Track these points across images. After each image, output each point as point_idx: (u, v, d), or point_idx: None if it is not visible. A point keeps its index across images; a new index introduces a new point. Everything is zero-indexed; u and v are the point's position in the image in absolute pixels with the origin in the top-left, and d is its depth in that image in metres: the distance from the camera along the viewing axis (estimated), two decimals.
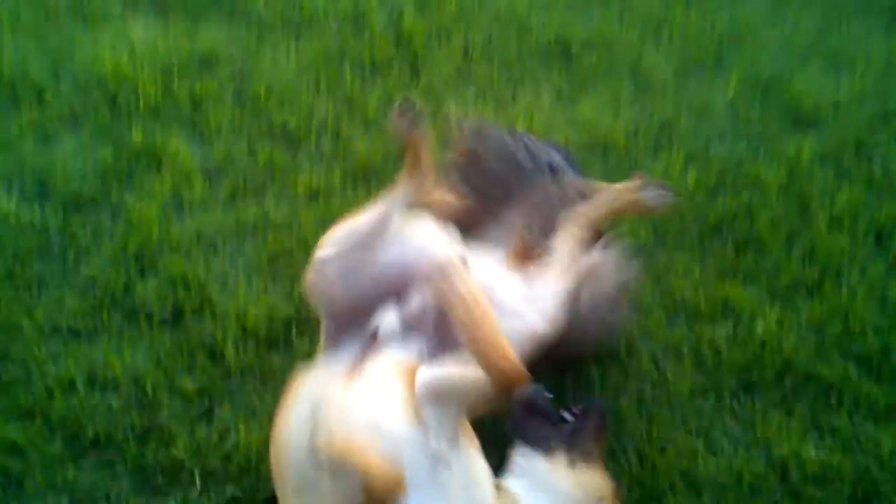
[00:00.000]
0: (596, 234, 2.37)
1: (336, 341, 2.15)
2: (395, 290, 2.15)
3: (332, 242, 2.16)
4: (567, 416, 1.98)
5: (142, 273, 2.65)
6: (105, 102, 3.25)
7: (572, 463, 1.85)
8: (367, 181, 2.92)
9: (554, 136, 3.09)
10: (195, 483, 2.14)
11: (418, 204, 2.28)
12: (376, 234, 2.15)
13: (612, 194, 2.36)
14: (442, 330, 2.16)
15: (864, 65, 3.51)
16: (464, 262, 2.16)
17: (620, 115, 3.23)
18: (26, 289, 2.59)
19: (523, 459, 1.88)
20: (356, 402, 1.83)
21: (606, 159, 3.04)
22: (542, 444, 1.87)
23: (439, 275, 2.13)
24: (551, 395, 1.99)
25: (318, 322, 2.19)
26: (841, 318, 2.53)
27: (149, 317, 2.52)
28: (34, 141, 3.11)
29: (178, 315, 2.54)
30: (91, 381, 2.36)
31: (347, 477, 1.62)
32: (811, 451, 2.23)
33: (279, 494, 1.91)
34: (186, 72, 3.39)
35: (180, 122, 3.19)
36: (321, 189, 2.93)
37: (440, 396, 1.81)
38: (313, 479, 1.74)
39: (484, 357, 1.74)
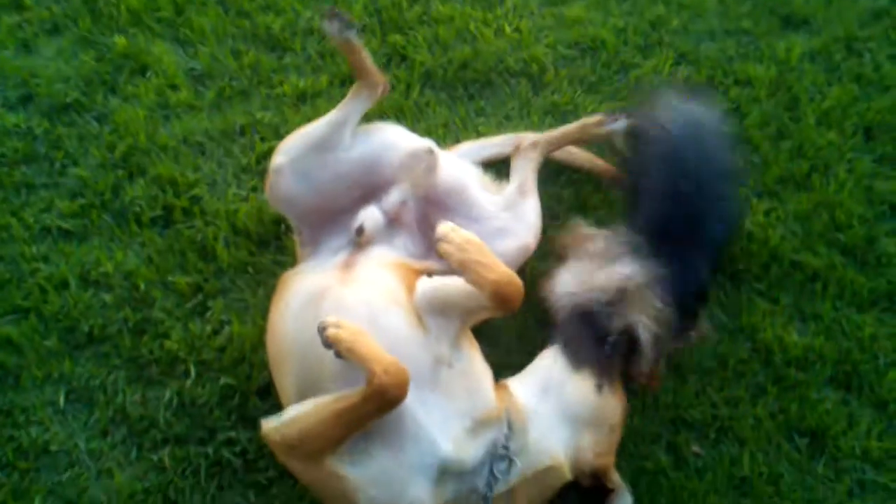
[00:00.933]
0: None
1: (317, 243, 2.15)
2: (366, 186, 2.15)
3: (285, 150, 2.15)
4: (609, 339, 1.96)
5: (130, 176, 2.62)
6: (86, 8, 3.14)
7: (599, 388, 1.87)
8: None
9: (544, 39, 3.04)
10: (190, 374, 2.16)
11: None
12: (332, 136, 2.13)
13: (574, 126, 2.51)
14: (424, 225, 2.16)
15: None
16: (433, 152, 2.14)
17: (610, 15, 3.13)
18: (14, 191, 2.56)
19: (551, 362, 1.91)
20: (352, 298, 1.84)
21: (596, 59, 2.98)
22: (575, 357, 1.90)
23: (416, 162, 2.12)
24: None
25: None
26: (828, 210, 2.52)
27: (139, 218, 2.50)
28: (14, 47, 3.01)
29: (168, 216, 2.51)
30: (83, 280, 2.35)
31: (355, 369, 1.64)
32: (794, 337, 2.25)
33: (277, 383, 1.93)
34: None
35: (163, 28, 3.08)
36: (308, 91, 2.87)
37: (442, 308, 1.82)
38: (316, 371, 1.77)
39: (476, 277, 1.72)
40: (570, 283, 2.01)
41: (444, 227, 1.78)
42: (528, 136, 2.52)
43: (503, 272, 1.72)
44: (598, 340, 1.92)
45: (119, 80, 2.91)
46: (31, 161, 2.66)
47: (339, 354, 1.65)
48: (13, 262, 2.38)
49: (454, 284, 1.81)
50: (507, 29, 3.06)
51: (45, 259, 2.40)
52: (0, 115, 2.77)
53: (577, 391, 1.87)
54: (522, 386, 1.88)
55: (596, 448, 1.85)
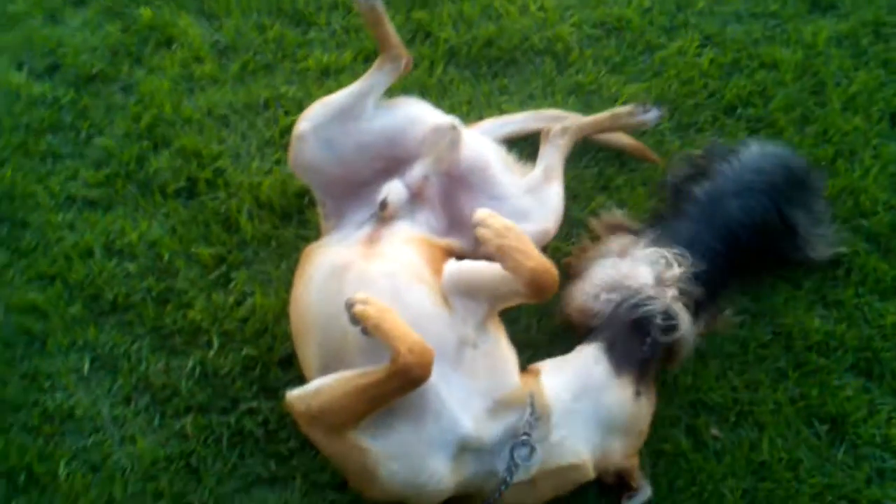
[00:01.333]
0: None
1: (340, 216, 2.13)
2: (389, 159, 2.12)
3: (308, 117, 2.12)
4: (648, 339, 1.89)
5: (155, 147, 2.59)
6: None
7: (637, 395, 1.83)
8: None
9: (569, 18, 2.98)
10: (212, 344, 2.14)
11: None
12: (355, 105, 2.11)
13: (606, 115, 2.48)
14: (446, 201, 2.12)
15: None
16: (456, 128, 2.11)
17: None
18: (40, 160, 2.54)
19: (591, 362, 1.84)
20: (376, 272, 1.82)
21: (621, 39, 2.92)
22: (619, 361, 1.83)
23: (439, 137, 2.08)
24: None
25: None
26: (852, 196, 2.46)
27: (163, 189, 2.48)
28: (42, 17, 2.98)
29: (192, 187, 2.49)
30: (108, 249, 2.34)
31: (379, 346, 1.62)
32: (816, 322, 2.20)
33: (300, 355, 1.91)
34: None
35: (188, 0, 3.05)
36: (332, 66, 2.82)
37: (469, 290, 1.79)
38: (339, 344, 1.75)
39: (514, 263, 1.68)
40: (606, 281, 1.95)
41: (483, 212, 1.75)
42: (559, 122, 2.47)
43: (541, 261, 1.69)
44: (641, 341, 1.86)
45: (144, 51, 2.88)
46: (58, 130, 2.64)
47: (365, 331, 1.63)
48: (39, 230, 2.36)
49: (485, 269, 1.77)
50: (533, 7, 3.00)
51: (71, 227, 2.38)
52: (27, 84, 2.75)
53: (617, 398, 1.80)
54: (557, 378, 1.82)
55: (624, 451, 1.81)
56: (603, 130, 2.51)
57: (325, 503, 1.88)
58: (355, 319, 1.63)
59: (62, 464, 1.92)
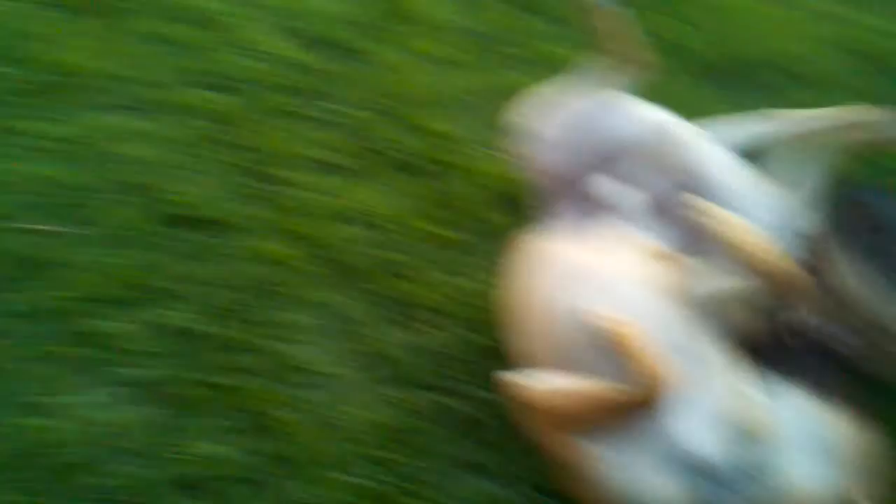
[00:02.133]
0: None
1: (564, 213, 2.05)
2: (612, 159, 2.03)
3: (531, 115, 2.11)
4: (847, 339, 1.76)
5: (394, 122, 2.61)
6: None
7: (851, 421, 1.66)
8: None
9: (829, 40, 2.76)
10: (434, 323, 2.12)
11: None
12: (584, 105, 2.08)
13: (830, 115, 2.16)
14: (671, 207, 2.00)
15: None
16: (684, 131, 2.03)
17: None
18: (291, 122, 2.59)
19: (799, 399, 1.68)
20: (606, 275, 1.74)
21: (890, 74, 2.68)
22: (821, 387, 1.68)
23: (664, 140, 1.97)
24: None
25: None
26: None
27: (405, 166, 2.49)
28: None
29: (430, 167, 2.49)
30: (349, 216, 2.36)
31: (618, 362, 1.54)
32: None
33: (518, 347, 1.86)
34: None
35: None
36: (570, 62, 2.74)
37: (709, 307, 1.67)
38: (565, 341, 1.69)
39: (747, 258, 1.56)
40: None
41: (704, 204, 1.67)
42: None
43: (771, 250, 1.55)
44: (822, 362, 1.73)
45: (391, 27, 2.91)
46: (308, 96, 2.67)
47: (607, 349, 1.55)
48: (295, 191, 2.41)
49: (724, 288, 1.65)
50: (786, 26, 2.81)
51: (315, 191, 2.42)
52: (277, 45, 2.82)
53: (831, 423, 1.63)
54: (772, 407, 1.65)
55: (854, 487, 1.64)
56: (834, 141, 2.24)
57: None
58: (599, 333, 1.57)
59: (297, 416, 1.95)
